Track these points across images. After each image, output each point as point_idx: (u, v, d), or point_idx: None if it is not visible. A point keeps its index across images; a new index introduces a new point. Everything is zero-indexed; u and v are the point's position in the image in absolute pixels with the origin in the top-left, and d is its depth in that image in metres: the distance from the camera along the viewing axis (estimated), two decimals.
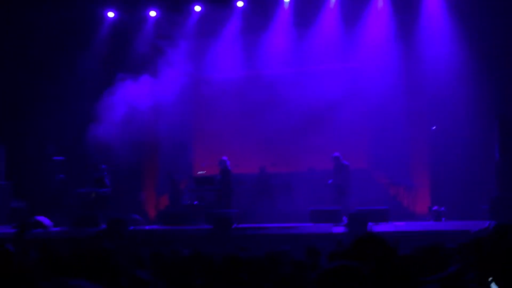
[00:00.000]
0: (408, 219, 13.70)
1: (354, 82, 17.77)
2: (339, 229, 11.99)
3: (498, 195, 13.06)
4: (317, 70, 18.27)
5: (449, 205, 13.70)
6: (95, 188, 15.86)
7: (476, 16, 14.76)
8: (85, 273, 3.45)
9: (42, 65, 16.94)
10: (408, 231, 11.61)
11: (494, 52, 14.74)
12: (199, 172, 16.84)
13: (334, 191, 14.72)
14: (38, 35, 16.68)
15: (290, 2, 17.05)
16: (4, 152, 16.89)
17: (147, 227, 14.78)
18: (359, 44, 16.89)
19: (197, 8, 17.37)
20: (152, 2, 17.35)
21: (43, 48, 16.77)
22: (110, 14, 17.55)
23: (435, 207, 13.64)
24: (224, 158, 15.71)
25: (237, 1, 17.11)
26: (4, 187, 16.23)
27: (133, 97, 16.90)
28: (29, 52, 16.82)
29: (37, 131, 16.91)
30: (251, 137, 18.06)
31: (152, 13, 17.58)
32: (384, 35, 16.58)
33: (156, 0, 17.27)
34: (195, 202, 15.44)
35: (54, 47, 16.74)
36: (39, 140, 16.92)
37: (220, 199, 15.14)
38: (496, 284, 3.57)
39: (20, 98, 17.08)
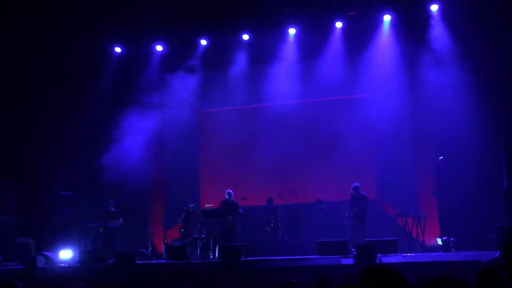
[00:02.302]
0: (417, 250, 13.63)
1: (360, 113, 17.81)
2: (348, 261, 11.93)
3: (507, 225, 12.98)
4: (324, 101, 18.38)
5: (458, 235, 13.63)
6: (103, 222, 15.88)
7: (483, 44, 14.83)
8: None
9: (49, 100, 17.09)
10: (418, 262, 11.54)
11: (501, 80, 14.79)
12: (206, 205, 16.84)
13: (353, 221, 14.68)
14: (47, 71, 16.86)
15: (295, 34, 17.19)
16: (16, 188, 16.97)
17: (154, 261, 14.74)
18: (365, 74, 16.99)
19: (203, 42, 17.54)
20: (158, 37, 17.52)
21: (51, 83, 16.94)
22: (117, 49, 17.74)
23: (444, 238, 13.57)
24: (229, 190, 15.74)
25: (242, 34, 17.26)
26: (11, 223, 16.26)
27: (140, 131, 17.00)
28: (37, 87, 16.97)
29: (44, 166, 16.99)
30: (258, 168, 18.09)
31: (159, 48, 17.76)
32: (390, 65, 16.68)
33: (162, 34, 17.40)
34: (203, 236, 15.39)
35: (63, 81, 16.91)
36: (47, 176, 16.98)
37: (225, 232, 15.13)
38: None
39: (28, 133, 17.18)
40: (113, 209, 16.03)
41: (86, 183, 16.26)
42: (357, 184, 14.99)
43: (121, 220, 15.90)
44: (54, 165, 16.92)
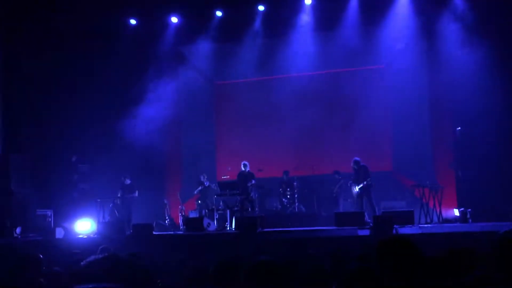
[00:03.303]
0: (434, 221, 13.60)
1: (378, 84, 17.73)
2: (365, 232, 11.95)
3: None
4: (340, 72, 18.27)
5: (475, 206, 13.57)
6: (120, 194, 16.02)
7: (503, 13, 14.62)
8: (113, 278, 3.50)
9: (66, 73, 17.11)
10: (434, 233, 11.53)
11: None
12: (223, 177, 16.90)
13: (359, 194, 14.65)
14: (61, 43, 16.86)
15: (311, 4, 16.96)
16: (29, 160, 17.12)
17: (172, 233, 14.87)
18: (382, 44, 16.81)
19: (218, 13, 17.38)
20: (173, 9, 17.39)
21: (66, 56, 16.93)
22: (132, 22, 17.64)
23: (461, 208, 13.52)
24: (245, 162, 15.72)
25: (258, 5, 17.09)
26: (29, 195, 16.45)
27: (156, 103, 17.01)
28: (52, 60, 16.97)
29: (61, 139, 17.08)
30: (275, 140, 18.11)
31: (174, 20, 17.64)
32: (407, 35, 16.48)
33: (177, 6, 17.27)
34: (220, 207, 15.49)
35: (78, 54, 16.90)
36: (64, 149, 17.09)
37: (243, 203, 15.18)
38: None
39: (45, 106, 17.26)
40: (129, 181, 16.14)
41: (103, 155, 16.32)
42: (356, 158, 14.88)
43: (136, 192, 16.01)
44: (70, 137, 17.01)
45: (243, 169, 15.62)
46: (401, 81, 17.06)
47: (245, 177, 15.47)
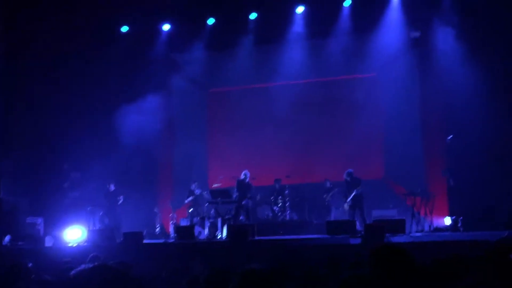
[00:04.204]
0: (425, 230, 13.61)
1: (369, 92, 17.76)
2: (356, 240, 11.94)
3: None
4: (332, 81, 18.30)
5: (467, 214, 13.59)
6: (106, 202, 15.99)
7: (493, 19, 14.71)
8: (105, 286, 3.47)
9: (58, 81, 17.05)
10: (426, 241, 11.53)
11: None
12: (214, 185, 16.87)
13: (352, 206, 14.70)
14: (54, 51, 16.81)
15: (303, 13, 16.99)
16: (19, 167, 17.04)
17: (162, 241, 14.82)
18: (373, 53, 16.85)
19: (211, 21, 17.37)
20: (165, 16, 17.37)
21: (59, 63, 16.89)
22: (124, 29, 17.61)
23: (453, 217, 13.54)
24: (246, 171, 15.65)
25: (250, 13, 17.10)
26: (20, 203, 16.36)
27: (148, 111, 16.99)
28: (43, 68, 16.93)
29: (53, 148, 17.01)
30: (266, 148, 18.10)
31: (166, 27, 17.63)
32: (399, 43, 16.55)
33: (169, 14, 17.25)
34: (212, 214, 15.46)
35: (71, 63, 16.85)
36: (55, 157, 17.02)
37: (238, 211, 15.16)
38: None
39: (36, 113, 17.20)
40: (113, 188, 16.13)
41: (95, 163, 16.25)
42: (350, 170, 14.91)
43: (121, 198, 15.96)
44: (62, 145, 16.94)
45: (242, 177, 15.54)
46: (393, 89, 17.10)
47: (245, 186, 15.42)
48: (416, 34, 16.45)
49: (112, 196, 16.07)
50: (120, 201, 15.95)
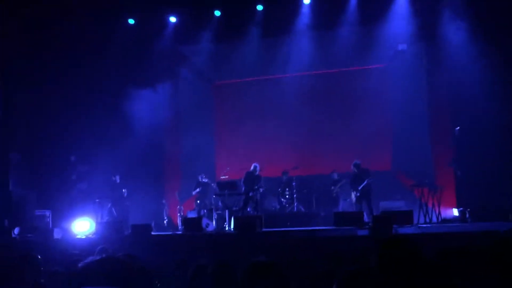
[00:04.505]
0: (433, 221, 13.59)
1: (377, 83, 17.73)
2: (364, 232, 11.92)
3: None
4: (339, 72, 18.28)
5: (475, 206, 13.56)
6: (110, 195, 16.05)
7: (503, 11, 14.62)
8: (111, 280, 3.48)
9: (65, 73, 17.04)
10: (434, 233, 11.51)
11: None
12: (222, 177, 16.88)
13: (359, 197, 14.70)
14: (59, 43, 16.79)
15: (309, 4, 16.90)
16: (27, 160, 17.10)
17: (170, 233, 14.85)
18: (381, 44, 16.77)
19: (217, 13, 17.32)
20: (172, 8, 17.32)
21: (64, 56, 16.88)
22: (131, 21, 17.57)
23: (460, 208, 13.51)
24: (256, 164, 15.64)
25: (257, 5, 17.03)
26: (29, 196, 16.42)
27: (155, 103, 16.99)
28: (50, 60, 16.93)
29: (60, 140, 17.04)
30: (273, 140, 18.10)
31: (172, 19, 17.59)
32: (406, 35, 16.47)
33: (176, 5, 17.20)
34: (219, 206, 15.49)
35: (76, 56, 16.82)
36: (63, 150, 17.06)
37: (246, 204, 15.18)
38: None
39: (44, 106, 17.22)
40: (118, 180, 16.20)
41: (102, 155, 16.28)
42: (357, 161, 14.90)
43: (125, 191, 16.01)
44: (69, 137, 16.96)
45: (252, 169, 15.54)
46: (401, 80, 17.08)
47: (253, 179, 15.41)
48: (404, 46, 16.43)
49: (118, 188, 16.13)
50: (125, 194, 16.00)
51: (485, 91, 14.40)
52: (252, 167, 15.54)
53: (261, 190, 15.48)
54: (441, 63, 16.13)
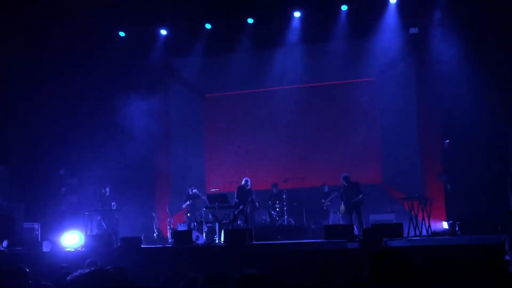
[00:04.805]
0: (423, 233, 13.59)
1: (367, 96, 17.82)
2: (354, 245, 11.91)
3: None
4: (329, 85, 18.34)
5: (465, 219, 13.57)
6: (100, 207, 15.97)
7: (488, 21, 14.73)
8: None
9: (54, 85, 16.99)
10: (424, 246, 11.51)
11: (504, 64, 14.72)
12: (212, 190, 16.85)
13: (349, 210, 14.73)
14: (49, 53, 16.76)
15: (300, 18, 16.96)
16: (16, 172, 17.02)
17: (160, 246, 14.78)
18: (370, 57, 16.87)
19: (208, 26, 17.34)
20: (162, 21, 17.34)
21: (54, 67, 16.85)
22: (121, 34, 17.56)
23: (450, 221, 13.53)
24: (247, 178, 15.62)
25: (247, 18, 17.07)
26: (17, 209, 16.30)
27: (145, 116, 16.96)
28: (39, 71, 16.89)
29: (49, 153, 16.98)
30: (264, 153, 18.11)
31: (163, 32, 17.61)
32: (395, 48, 16.60)
33: (166, 18, 17.22)
34: (209, 219, 15.45)
35: (66, 67, 16.79)
36: (52, 162, 16.98)
37: (236, 217, 15.17)
38: None
39: (33, 118, 17.17)
40: (108, 193, 16.13)
41: (92, 168, 16.21)
42: (346, 174, 14.90)
43: (113, 204, 15.94)
44: (59, 150, 16.90)
45: (243, 183, 15.53)
46: (390, 93, 17.15)
47: (245, 192, 15.40)
48: (415, 30, 16.43)
49: (107, 200, 16.06)
50: (114, 207, 15.93)
51: (475, 104, 14.50)
52: (243, 181, 15.53)
53: (256, 204, 15.50)
54: (431, 75, 16.22)
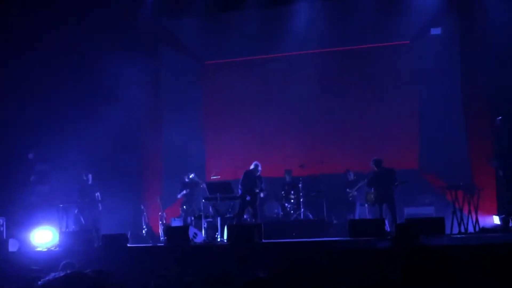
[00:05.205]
0: (469, 230, 13.59)
1: (400, 64, 17.81)
2: (384, 243, 11.93)
3: None
4: (355, 50, 18.35)
5: None
6: (80, 197, 16.00)
7: None
8: None
9: (22, 50, 16.97)
10: (470, 245, 11.51)
11: None
12: (212, 177, 16.86)
13: (380, 202, 14.69)
14: (21, 20, 16.75)
15: None
16: None
17: (150, 245, 14.86)
18: (406, 17, 16.71)
19: None
20: None
21: (23, 29, 16.85)
22: None
23: (502, 215, 13.52)
24: (257, 162, 15.54)
25: None
26: None
27: (132, 87, 16.92)
28: (7, 38, 16.92)
29: (15, 133, 16.98)
30: (275, 132, 18.08)
31: None
32: (436, 5, 16.48)
33: None
34: (210, 213, 15.49)
35: (40, 28, 16.76)
36: (19, 145, 17.00)
37: (242, 210, 15.19)
38: None
39: None
40: (91, 181, 16.15)
41: (67, 151, 16.24)
42: (377, 158, 14.77)
43: (98, 194, 15.98)
44: (26, 130, 16.90)
45: (252, 168, 15.45)
46: (429, 60, 17.07)
47: (253, 180, 15.35)
48: (437, 30, 16.38)
49: (90, 190, 16.08)
50: (99, 198, 15.97)
51: None
52: (252, 166, 15.45)
53: (262, 194, 15.44)
54: (478, 40, 16.08)
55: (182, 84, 18.93)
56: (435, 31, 16.48)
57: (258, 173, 15.42)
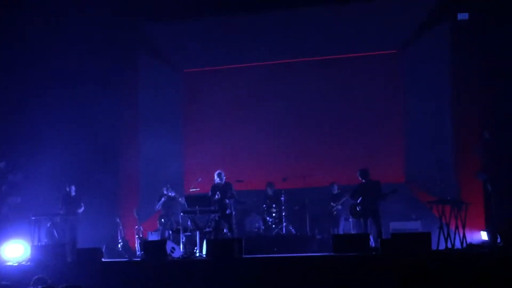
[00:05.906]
0: (456, 245, 13.63)
1: (387, 73, 17.87)
2: (369, 259, 11.95)
3: None
4: (340, 59, 18.35)
5: (508, 228, 13.62)
6: (62, 209, 15.90)
7: None
8: None
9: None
10: (457, 260, 11.55)
11: None
12: (192, 189, 16.80)
13: (364, 215, 14.68)
14: None
15: None
16: None
17: (126, 259, 14.79)
18: (393, 25, 16.79)
19: None
20: None
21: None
22: None
23: (490, 231, 13.58)
24: (220, 171, 15.46)
25: None
26: None
27: (108, 95, 16.87)
28: None
29: None
30: (256, 144, 18.09)
31: None
32: (425, 15, 16.56)
33: None
34: (188, 227, 15.44)
35: (12, 34, 16.72)
36: None
37: (219, 222, 15.13)
38: None
39: None
40: (74, 192, 16.05)
41: (39, 161, 16.16)
42: (364, 168, 14.75)
43: (82, 207, 15.91)
44: None
45: (218, 180, 15.36)
46: (417, 70, 17.13)
47: (221, 190, 15.29)
48: (465, 15, 16.36)
49: (72, 202, 15.97)
50: (81, 209, 15.89)
51: None
52: (215, 176, 15.25)
53: (232, 198, 15.25)
54: (469, 46, 16.13)
55: (161, 93, 18.87)
56: (462, 16, 16.34)
57: (223, 182, 15.27)
